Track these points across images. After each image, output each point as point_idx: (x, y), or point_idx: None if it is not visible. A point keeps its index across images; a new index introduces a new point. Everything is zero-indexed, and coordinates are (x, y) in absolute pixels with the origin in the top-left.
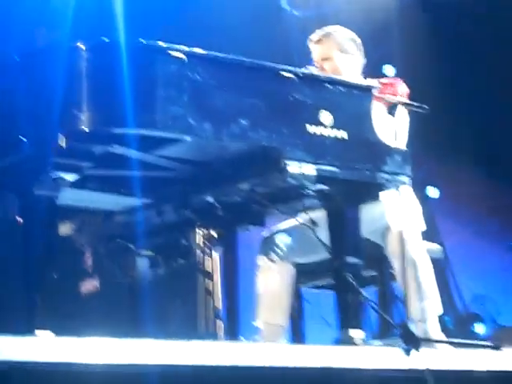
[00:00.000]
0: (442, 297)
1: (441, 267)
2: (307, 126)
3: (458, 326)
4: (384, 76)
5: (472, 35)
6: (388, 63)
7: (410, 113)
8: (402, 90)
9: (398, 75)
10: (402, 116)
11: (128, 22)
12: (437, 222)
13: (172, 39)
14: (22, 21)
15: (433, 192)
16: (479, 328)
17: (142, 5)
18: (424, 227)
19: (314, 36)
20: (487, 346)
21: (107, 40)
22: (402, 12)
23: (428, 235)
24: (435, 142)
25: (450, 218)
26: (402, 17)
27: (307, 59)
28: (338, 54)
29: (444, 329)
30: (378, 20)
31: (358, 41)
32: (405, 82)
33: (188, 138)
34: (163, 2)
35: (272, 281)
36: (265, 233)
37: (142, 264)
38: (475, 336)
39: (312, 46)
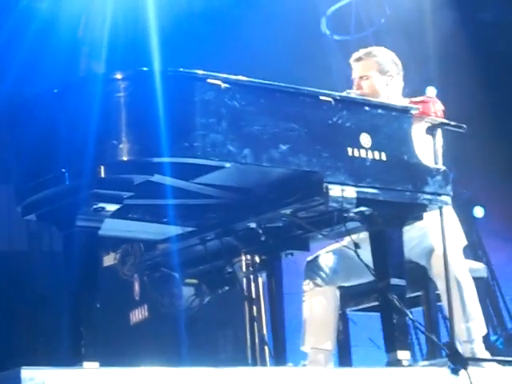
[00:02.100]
0: (491, 316)
1: (488, 286)
2: (347, 148)
3: (507, 345)
4: None
5: None
6: (430, 85)
7: (455, 134)
8: (436, 107)
9: (439, 97)
10: (438, 135)
11: (169, 49)
12: (484, 241)
13: (211, 67)
14: (62, 53)
15: (479, 212)
16: None
17: (184, 34)
18: (465, 242)
19: (356, 54)
20: None
21: (145, 69)
22: (442, 35)
23: (475, 255)
24: (480, 161)
25: (497, 237)
26: (443, 39)
27: (348, 83)
28: (376, 75)
29: (493, 348)
30: (418, 43)
31: (399, 63)
32: (446, 103)
33: (228, 165)
34: (204, 30)
35: (318, 305)
36: (309, 257)
37: (188, 292)
38: None
39: (352, 64)
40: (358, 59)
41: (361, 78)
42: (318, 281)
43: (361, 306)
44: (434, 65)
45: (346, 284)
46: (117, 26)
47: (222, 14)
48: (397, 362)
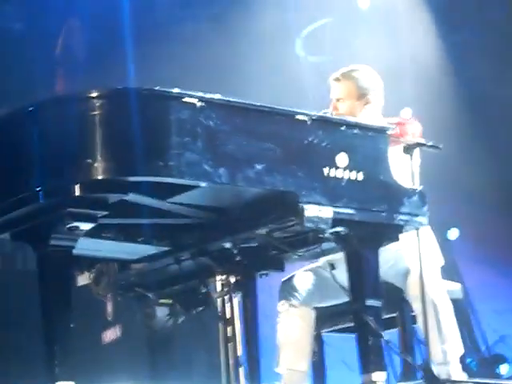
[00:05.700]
0: (464, 338)
1: (463, 308)
2: (323, 168)
3: (481, 368)
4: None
5: (491, 76)
6: (405, 106)
7: (431, 154)
8: (413, 128)
9: (415, 118)
10: (415, 155)
11: (143, 68)
12: (458, 263)
13: (188, 86)
14: (40, 71)
15: (453, 233)
16: (503, 368)
17: (158, 53)
18: (443, 262)
19: (335, 74)
20: None
21: (120, 88)
22: (418, 55)
23: (449, 276)
24: (455, 182)
25: (472, 259)
26: (419, 60)
27: (323, 104)
28: (353, 99)
29: (467, 370)
30: (394, 64)
31: (380, 83)
32: (422, 122)
33: (203, 184)
34: (180, 49)
35: (293, 326)
36: (284, 278)
37: (162, 312)
38: (499, 377)
39: (331, 83)
40: (337, 79)
41: (337, 99)
42: (293, 301)
43: (336, 327)
44: (410, 86)
45: (321, 305)
46: (93, 44)
47: (197, 35)
48: None
